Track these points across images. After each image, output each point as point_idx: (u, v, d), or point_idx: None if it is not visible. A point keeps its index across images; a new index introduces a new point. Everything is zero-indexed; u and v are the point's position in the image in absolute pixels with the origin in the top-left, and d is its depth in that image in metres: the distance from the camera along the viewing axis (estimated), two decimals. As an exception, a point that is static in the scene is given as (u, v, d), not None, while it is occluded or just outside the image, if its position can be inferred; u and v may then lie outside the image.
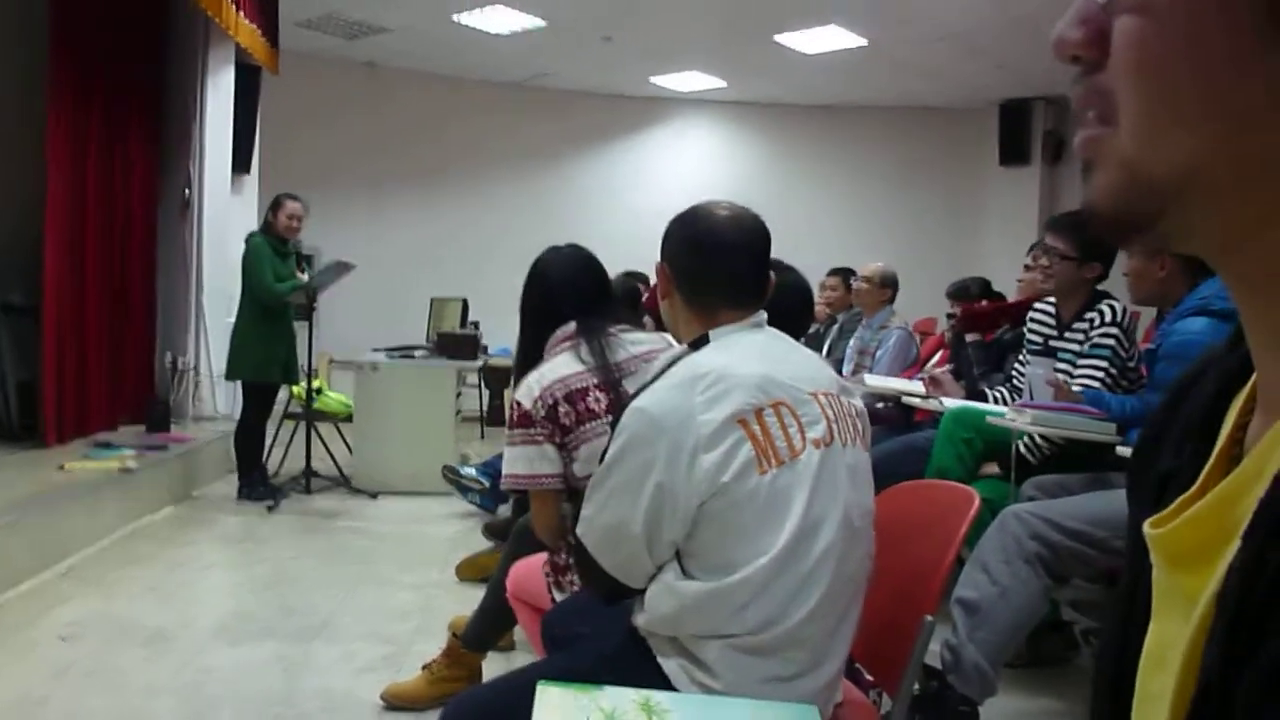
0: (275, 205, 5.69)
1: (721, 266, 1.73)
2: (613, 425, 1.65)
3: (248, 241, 5.65)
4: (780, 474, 1.54)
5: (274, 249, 5.61)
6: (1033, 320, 3.54)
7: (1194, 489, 0.52)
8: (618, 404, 2.19)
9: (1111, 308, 3.24)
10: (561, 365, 2.34)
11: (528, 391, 2.30)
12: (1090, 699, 0.65)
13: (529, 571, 2.47)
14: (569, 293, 2.47)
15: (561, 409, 2.27)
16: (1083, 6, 0.49)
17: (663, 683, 1.56)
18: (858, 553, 1.63)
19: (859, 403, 1.77)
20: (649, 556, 1.57)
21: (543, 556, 2.45)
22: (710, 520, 1.53)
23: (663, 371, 1.64)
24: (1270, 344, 0.49)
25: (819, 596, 1.54)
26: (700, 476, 1.51)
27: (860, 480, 1.66)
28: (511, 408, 2.33)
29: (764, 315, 1.77)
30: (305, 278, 5.69)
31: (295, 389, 6.25)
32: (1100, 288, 3.34)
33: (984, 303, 4.63)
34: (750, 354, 1.65)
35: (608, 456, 1.61)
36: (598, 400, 2.29)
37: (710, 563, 1.55)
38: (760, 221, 1.79)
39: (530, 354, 2.46)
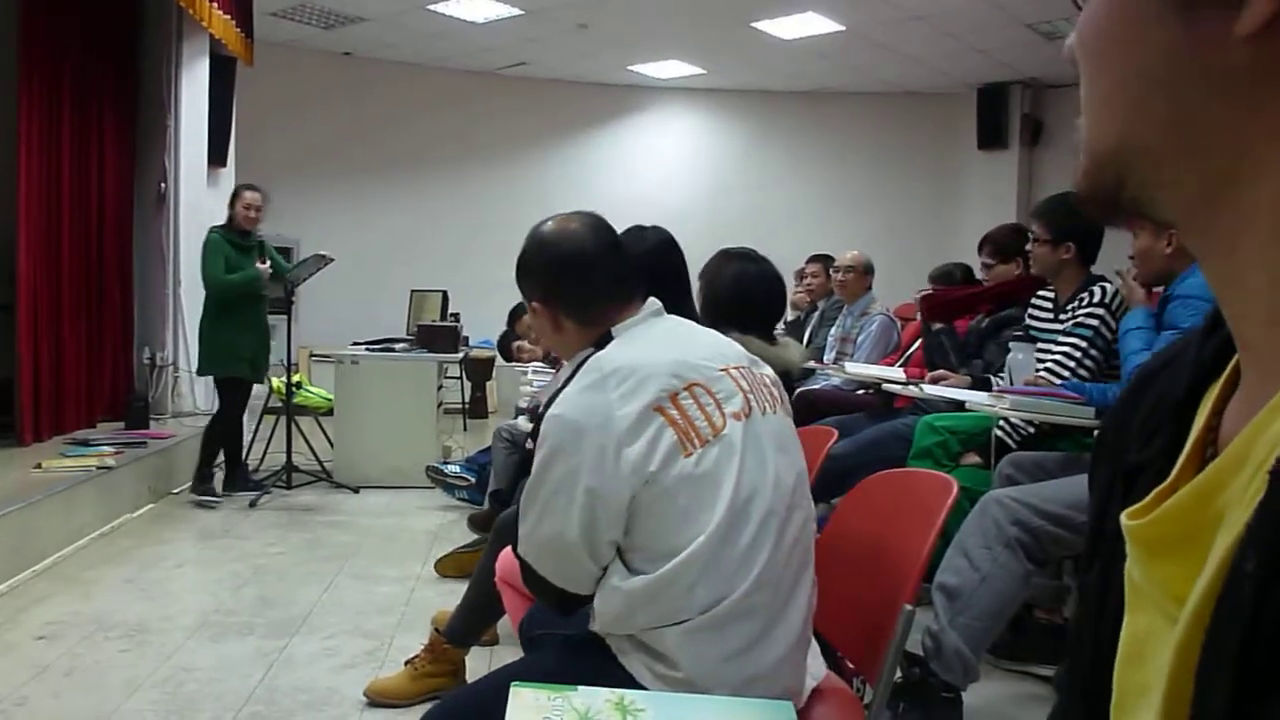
0: (233, 196, 5.65)
1: (604, 276, 1.75)
2: (533, 435, 1.64)
3: (206, 236, 5.60)
4: (705, 453, 1.54)
5: (233, 242, 5.53)
6: (1034, 306, 3.56)
7: (1170, 480, 0.51)
8: None
9: (1102, 289, 3.25)
10: None
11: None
12: (1065, 687, 0.64)
13: None
14: (646, 279, 2.50)
15: None
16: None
17: (629, 681, 1.55)
18: (798, 516, 1.63)
19: (770, 372, 1.78)
20: (591, 561, 1.57)
21: None
22: (645, 511, 1.53)
23: (571, 376, 1.63)
24: (1244, 316, 0.49)
25: (762, 564, 1.54)
26: (627, 471, 1.50)
27: (787, 444, 1.67)
28: None
29: (658, 303, 1.78)
30: (267, 268, 5.59)
31: (275, 383, 6.21)
32: (1097, 273, 3.36)
33: (933, 288, 4.63)
34: (657, 342, 1.67)
35: (534, 469, 1.59)
36: None
37: (653, 552, 1.54)
38: (599, 215, 1.82)
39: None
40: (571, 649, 1.67)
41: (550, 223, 1.80)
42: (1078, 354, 3.21)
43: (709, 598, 1.52)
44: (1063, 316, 3.36)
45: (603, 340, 1.70)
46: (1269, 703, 0.39)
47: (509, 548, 2.53)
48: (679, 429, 1.54)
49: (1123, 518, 0.52)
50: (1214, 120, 0.45)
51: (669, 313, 1.83)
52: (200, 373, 5.86)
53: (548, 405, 1.61)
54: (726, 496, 1.53)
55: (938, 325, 4.19)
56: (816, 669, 1.75)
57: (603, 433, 1.51)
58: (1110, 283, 3.29)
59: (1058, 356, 3.24)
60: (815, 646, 1.76)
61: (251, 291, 5.57)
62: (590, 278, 1.74)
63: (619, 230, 2.10)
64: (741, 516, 1.54)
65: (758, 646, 1.56)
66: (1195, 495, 0.47)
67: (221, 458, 5.70)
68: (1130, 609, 0.53)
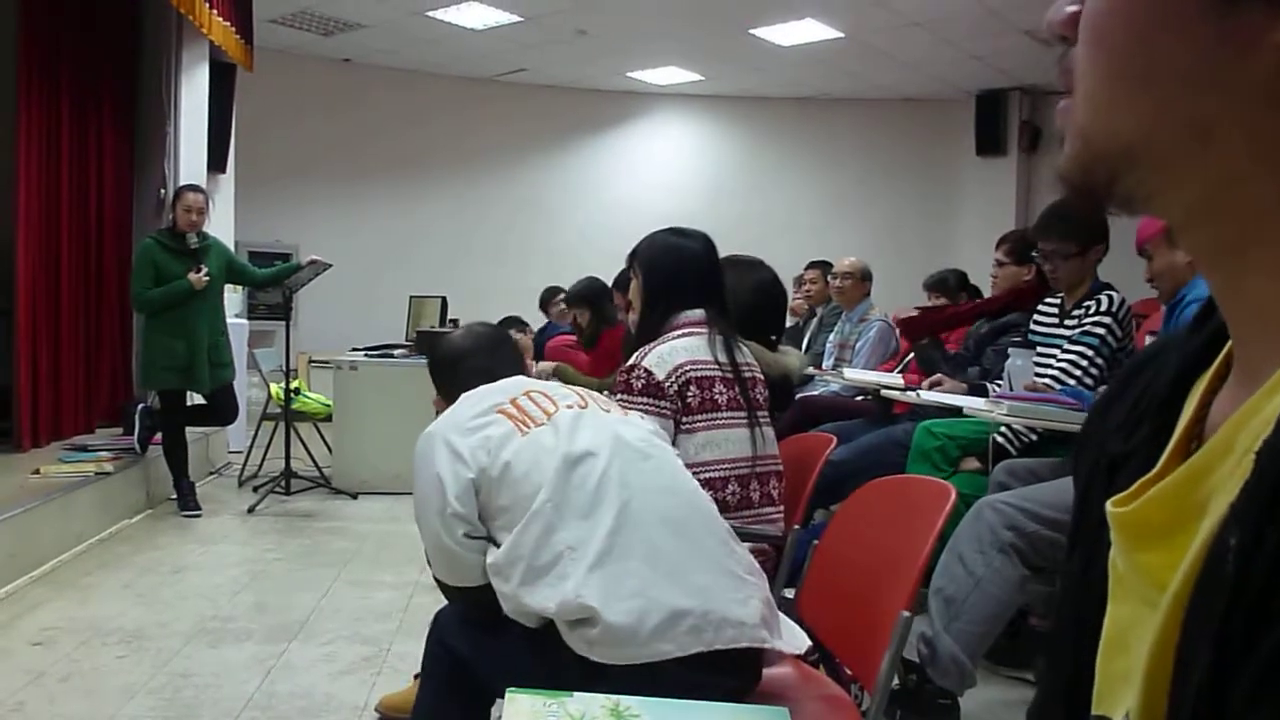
0: (175, 197, 5.50)
1: (471, 369, 2.16)
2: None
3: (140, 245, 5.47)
4: (541, 431, 1.81)
5: (168, 247, 5.33)
6: (1039, 312, 3.54)
7: (1156, 469, 0.51)
8: (741, 401, 2.39)
9: (1110, 297, 3.23)
10: (693, 348, 2.39)
11: (659, 362, 2.35)
12: (1045, 679, 0.64)
13: None
14: (697, 281, 2.52)
15: (690, 390, 2.35)
16: None
17: (578, 660, 1.62)
18: (653, 464, 1.82)
19: (606, 400, 2.06)
20: (462, 549, 1.78)
21: None
22: (494, 486, 1.77)
23: None
24: (1243, 315, 0.49)
25: (618, 506, 1.70)
26: (466, 452, 1.79)
27: (632, 419, 1.97)
28: (636, 373, 2.33)
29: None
30: (201, 276, 5.29)
31: (274, 389, 6.21)
32: (1105, 279, 3.34)
33: (916, 310, 4.62)
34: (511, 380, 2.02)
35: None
36: (721, 393, 2.37)
37: (511, 519, 1.74)
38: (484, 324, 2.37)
39: (652, 330, 2.49)
40: (535, 637, 1.73)
41: (453, 333, 2.31)
42: (1084, 362, 3.20)
43: (574, 536, 1.67)
44: (1069, 321, 3.34)
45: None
46: (1244, 673, 0.39)
47: None
48: (514, 418, 1.84)
49: (1108, 505, 0.52)
50: (1232, 122, 0.45)
51: (711, 318, 2.41)
52: (140, 386, 5.70)
53: None
54: (560, 451, 1.76)
55: (922, 340, 4.20)
56: (791, 637, 1.79)
57: (448, 431, 1.83)
58: (1118, 291, 3.28)
59: (1063, 364, 3.23)
60: (790, 622, 1.84)
61: (177, 303, 5.29)
62: (459, 371, 2.13)
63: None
64: (580, 465, 1.75)
65: (662, 582, 1.63)
66: (1182, 481, 0.48)
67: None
68: (1114, 598, 0.53)
